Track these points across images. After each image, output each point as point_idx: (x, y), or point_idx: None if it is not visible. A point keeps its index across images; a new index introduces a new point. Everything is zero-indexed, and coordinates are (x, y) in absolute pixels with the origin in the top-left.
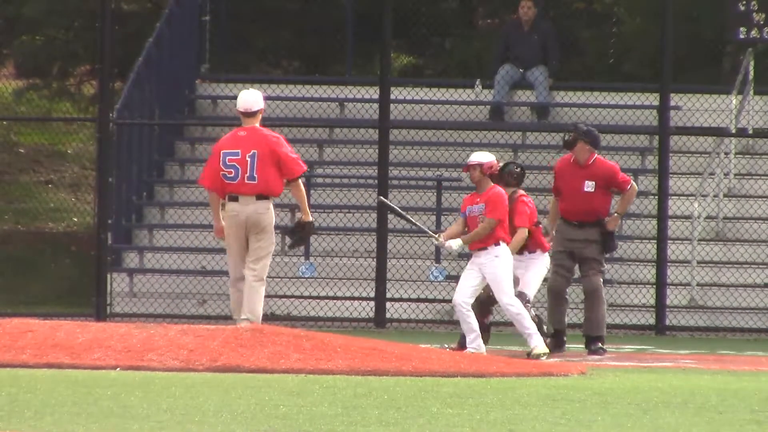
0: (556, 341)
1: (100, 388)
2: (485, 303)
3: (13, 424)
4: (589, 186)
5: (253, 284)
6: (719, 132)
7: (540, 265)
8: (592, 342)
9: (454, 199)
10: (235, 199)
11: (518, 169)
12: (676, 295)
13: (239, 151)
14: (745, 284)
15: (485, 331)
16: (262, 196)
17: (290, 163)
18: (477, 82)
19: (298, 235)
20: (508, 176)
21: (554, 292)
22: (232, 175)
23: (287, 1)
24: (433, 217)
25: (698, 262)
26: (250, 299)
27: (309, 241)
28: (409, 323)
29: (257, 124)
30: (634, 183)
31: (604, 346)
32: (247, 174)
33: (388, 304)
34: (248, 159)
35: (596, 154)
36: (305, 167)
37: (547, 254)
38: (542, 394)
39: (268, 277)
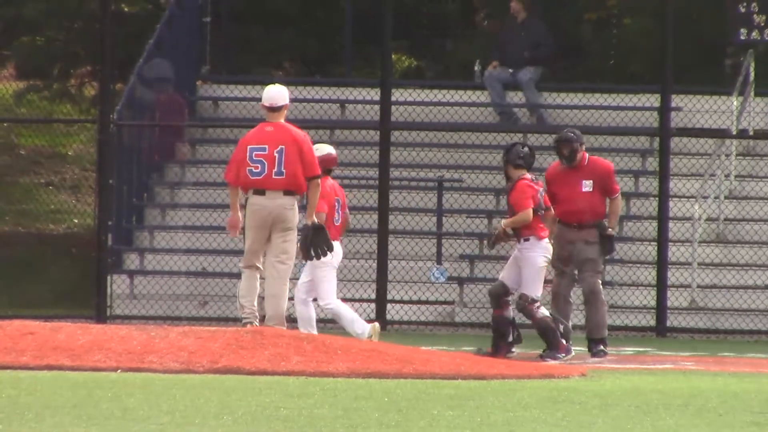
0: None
1: (101, 390)
2: (500, 295)
3: (13, 426)
4: (587, 186)
5: (275, 285)
6: (720, 133)
7: (534, 259)
8: (594, 344)
9: (455, 200)
10: (261, 193)
11: (525, 149)
12: (676, 297)
13: (267, 146)
14: (746, 286)
15: (511, 326)
16: (288, 192)
17: (312, 161)
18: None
19: (310, 241)
20: (515, 157)
21: (559, 295)
22: (259, 170)
23: (288, 2)
24: (434, 219)
25: (699, 264)
26: (274, 300)
27: (325, 242)
28: (410, 325)
29: (282, 120)
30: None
31: (606, 349)
32: (275, 169)
33: (388, 306)
34: (276, 155)
35: (587, 154)
36: (319, 171)
37: (543, 242)
38: (543, 396)
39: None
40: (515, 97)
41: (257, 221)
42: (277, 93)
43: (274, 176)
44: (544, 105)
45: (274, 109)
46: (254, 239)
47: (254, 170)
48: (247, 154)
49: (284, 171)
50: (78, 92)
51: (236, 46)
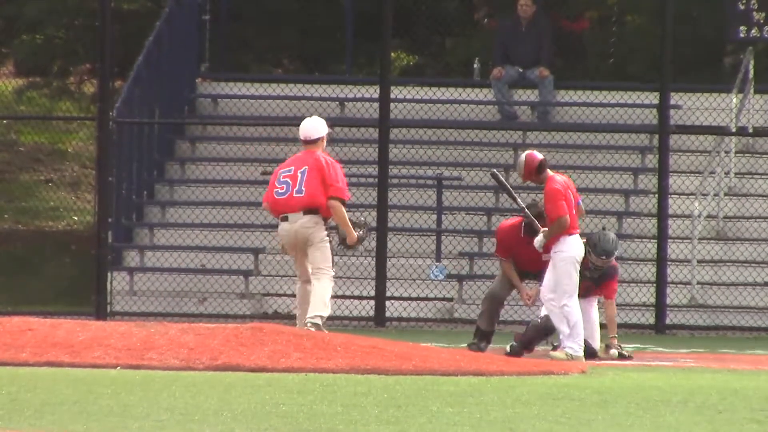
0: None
1: (101, 387)
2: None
3: (13, 422)
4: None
5: (314, 289)
6: (719, 131)
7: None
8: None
9: (455, 197)
10: (285, 219)
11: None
12: (676, 294)
13: (293, 168)
14: (746, 283)
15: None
16: (309, 211)
17: (333, 184)
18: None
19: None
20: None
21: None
22: (283, 190)
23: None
24: (434, 216)
25: (698, 261)
26: (312, 302)
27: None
28: (409, 322)
29: (319, 151)
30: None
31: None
32: (296, 188)
33: (388, 303)
34: (299, 174)
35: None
36: (347, 195)
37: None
38: (542, 392)
39: (273, 276)
40: (524, 95)
41: (288, 243)
42: (311, 125)
43: (294, 194)
44: (545, 103)
45: (308, 142)
46: (294, 258)
47: (279, 191)
48: (276, 177)
49: (304, 190)
50: (77, 90)
51: (235, 43)
